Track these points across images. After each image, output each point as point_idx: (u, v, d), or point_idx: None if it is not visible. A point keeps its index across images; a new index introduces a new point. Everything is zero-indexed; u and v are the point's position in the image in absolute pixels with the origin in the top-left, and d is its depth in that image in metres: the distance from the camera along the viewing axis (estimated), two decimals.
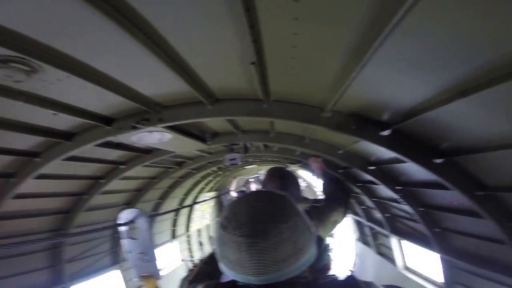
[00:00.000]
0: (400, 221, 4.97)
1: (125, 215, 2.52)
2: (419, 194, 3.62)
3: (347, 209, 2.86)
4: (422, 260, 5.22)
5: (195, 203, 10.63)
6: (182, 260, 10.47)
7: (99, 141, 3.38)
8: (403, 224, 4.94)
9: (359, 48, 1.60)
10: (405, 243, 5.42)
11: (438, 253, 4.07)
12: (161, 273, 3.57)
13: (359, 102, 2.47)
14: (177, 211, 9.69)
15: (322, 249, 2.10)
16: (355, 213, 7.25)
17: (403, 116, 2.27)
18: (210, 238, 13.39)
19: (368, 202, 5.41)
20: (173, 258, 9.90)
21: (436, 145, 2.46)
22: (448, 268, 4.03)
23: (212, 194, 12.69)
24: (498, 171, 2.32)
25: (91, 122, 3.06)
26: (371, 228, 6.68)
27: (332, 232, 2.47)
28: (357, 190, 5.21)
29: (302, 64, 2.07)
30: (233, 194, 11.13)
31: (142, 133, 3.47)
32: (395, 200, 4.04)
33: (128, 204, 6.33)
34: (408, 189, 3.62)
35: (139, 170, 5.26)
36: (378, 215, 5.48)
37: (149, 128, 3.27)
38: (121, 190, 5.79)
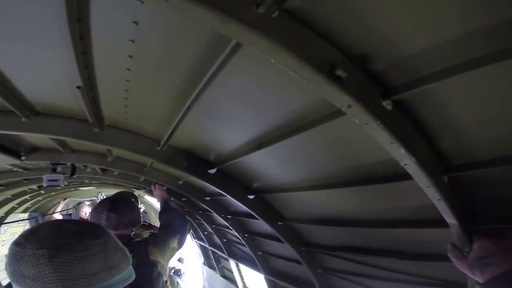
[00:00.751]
0: (234, 245, 5.88)
1: None
2: (244, 223, 4.49)
3: (183, 236, 3.30)
4: (258, 281, 6.24)
5: None
6: None
7: None
8: (237, 248, 5.86)
9: (185, 92, 1.98)
10: (241, 265, 6.37)
11: (262, 273, 5.06)
12: None
13: (190, 141, 2.97)
14: None
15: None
16: (200, 239, 7.91)
17: (224, 158, 2.90)
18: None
19: (209, 229, 6.10)
20: None
21: (250, 184, 3.25)
22: (271, 287, 5.04)
23: (26, 215, 11.04)
24: (292, 206, 3.25)
25: None
26: (213, 252, 7.46)
27: (177, 257, 2.78)
28: (199, 217, 5.83)
29: (135, 98, 2.34)
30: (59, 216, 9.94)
31: None
32: (228, 227, 4.82)
33: None
34: (236, 217, 4.43)
35: None
36: (217, 240, 6.25)
37: None
38: None
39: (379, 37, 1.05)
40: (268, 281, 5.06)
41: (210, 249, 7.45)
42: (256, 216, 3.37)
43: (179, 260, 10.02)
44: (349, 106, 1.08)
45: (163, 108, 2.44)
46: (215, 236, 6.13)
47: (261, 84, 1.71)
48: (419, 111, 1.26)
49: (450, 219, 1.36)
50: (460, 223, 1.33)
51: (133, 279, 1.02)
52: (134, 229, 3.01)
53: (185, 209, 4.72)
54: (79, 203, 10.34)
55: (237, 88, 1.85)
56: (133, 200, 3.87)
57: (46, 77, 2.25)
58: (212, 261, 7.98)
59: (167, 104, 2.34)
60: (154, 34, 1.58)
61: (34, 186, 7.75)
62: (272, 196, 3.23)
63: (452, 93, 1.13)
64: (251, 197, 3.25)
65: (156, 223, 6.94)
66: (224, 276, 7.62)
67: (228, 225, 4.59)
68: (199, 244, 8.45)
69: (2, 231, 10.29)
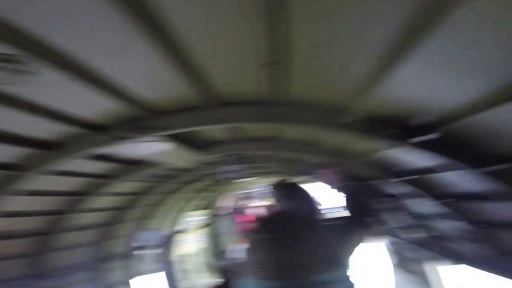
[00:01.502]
0: (451, 241, 5.19)
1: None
2: (473, 208, 3.84)
3: (367, 229, 3.13)
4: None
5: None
6: None
7: (87, 152, 3.68)
8: (456, 245, 5.15)
9: (397, 45, 1.87)
10: (461, 268, 5.60)
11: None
12: None
13: (391, 105, 2.74)
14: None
15: None
16: (389, 234, 7.50)
17: (448, 119, 2.54)
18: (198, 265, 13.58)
19: (405, 220, 5.67)
20: None
21: (488, 151, 2.73)
22: None
23: (205, 212, 13.34)
24: None
25: (80, 130, 3.36)
26: (414, 251, 6.90)
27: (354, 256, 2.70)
28: (387, 205, 5.47)
29: (328, 63, 2.34)
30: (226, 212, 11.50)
31: (137, 143, 3.77)
32: (441, 216, 4.30)
33: (111, 225, 6.83)
34: (459, 202, 3.86)
35: (126, 185, 5.58)
36: (421, 235, 5.72)
37: (145, 137, 3.56)
38: (106, 208, 6.14)
39: None
40: None
41: (409, 247, 6.93)
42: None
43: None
44: None
45: (361, 70, 2.34)
46: (418, 229, 5.62)
47: None
48: None
49: None
50: None
51: None
52: None
53: (367, 197, 4.47)
54: (242, 196, 11.68)
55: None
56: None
57: (233, 55, 2.42)
58: (410, 263, 7.42)
59: (368, 64, 2.23)
60: None
61: (211, 181, 9.21)
62: None
63: None
64: (488, 169, 2.72)
65: None
66: (427, 283, 6.94)
67: (444, 212, 4.07)
68: (390, 240, 8.03)
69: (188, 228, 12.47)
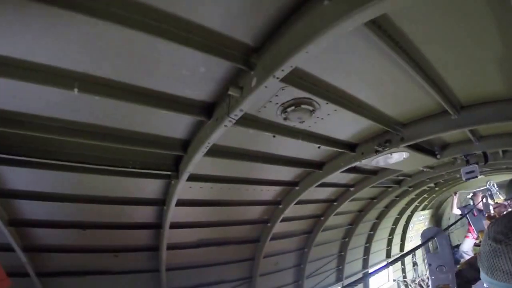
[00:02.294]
0: None
1: (426, 233, 3.51)
2: None
3: None
4: None
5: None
6: (394, 281, 12.16)
7: (344, 168, 4.81)
8: None
9: None
10: None
11: None
12: None
13: None
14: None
15: None
16: None
17: None
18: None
19: None
20: (385, 278, 11.82)
21: None
22: None
23: (427, 212, 13.73)
24: None
25: (339, 150, 4.47)
26: None
27: None
28: None
29: None
30: (456, 211, 11.12)
31: (382, 156, 4.65)
32: None
33: (351, 225, 8.20)
34: None
35: (363, 192, 6.63)
36: None
37: (390, 150, 4.33)
38: (349, 211, 7.44)
39: None
40: None
41: None
42: None
43: None
44: None
45: None
46: None
47: None
48: None
49: None
50: None
51: None
52: None
53: None
54: (474, 193, 11.04)
55: None
56: None
57: (475, 66, 2.73)
58: None
59: None
60: None
61: (432, 184, 9.35)
62: None
63: None
64: None
65: None
66: None
67: None
68: None
69: (410, 229, 12.90)
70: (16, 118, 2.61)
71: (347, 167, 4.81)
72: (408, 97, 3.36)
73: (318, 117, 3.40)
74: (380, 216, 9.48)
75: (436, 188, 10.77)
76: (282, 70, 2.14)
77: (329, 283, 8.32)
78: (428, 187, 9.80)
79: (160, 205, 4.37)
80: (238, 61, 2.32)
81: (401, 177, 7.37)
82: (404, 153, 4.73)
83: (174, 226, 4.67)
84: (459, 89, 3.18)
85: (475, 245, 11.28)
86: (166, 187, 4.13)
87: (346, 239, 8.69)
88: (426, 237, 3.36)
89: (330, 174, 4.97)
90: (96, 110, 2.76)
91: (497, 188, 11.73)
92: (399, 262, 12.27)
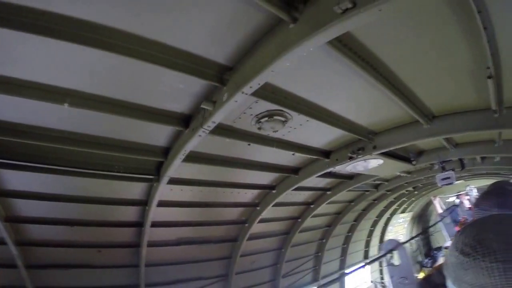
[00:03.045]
0: None
1: (385, 245, 3.71)
2: None
3: None
4: None
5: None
6: (372, 282, 12.67)
7: (319, 173, 5.14)
8: None
9: None
10: None
11: None
12: None
13: None
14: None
15: None
16: None
17: None
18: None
19: None
20: (362, 280, 12.25)
21: None
22: None
23: (406, 215, 14.26)
24: None
25: (314, 157, 4.82)
26: None
27: None
28: None
29: None
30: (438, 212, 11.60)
31: (356, 162, 4.99)
32: None
33: (329, 226, 8.70)
34: None
35: (340, 195, 6.99)
36: None
37: (364, 156, 4.70)
38: (326, 214, 7.88)
39: None
40: None
41: None
42: None
43: None
44: None
45: None
46: None
47: None
48: None
49: None
50: None
51: None
52: None
53: None
54: (458, 196, 11.50)
55: None
56: None
57: (443, 77, 2.99)
58: None
59: None
60: None
61: (410, 188, 9.81)
62: None
63: None
64: None
65: None
66: None
67: None
68: None
69: (388, 231, 13.41)
70: (17, 128, 2.92)
71: (322, 172, 5.17)
72: (381, 109, 3.68)
73: (291, 127, 3.76)
74: (358, 218, 9.99)
75: (416, 192, 11.25)
76: (250, 87, 2.48)
77: (305, 283, 8.75)
78: (407, 190, 10.32)
79: (143, 205, 4.69)
80: (212, 78, 2.67)
81: (378, 182, 7.83)
82: (377, 159, 5.07)
83: (155, 225, 5.00)
84: (430, 100, 3.48)
85: None
86: (149, 189, 4.45)
87: (324, 240, 9.15)
88: (386, 250, 3.50)
89: (306, 179, 5.33)
90: (86, 122, 3.09)
91: (476, 193, 12.21)
92: (377, 264, 12.69)
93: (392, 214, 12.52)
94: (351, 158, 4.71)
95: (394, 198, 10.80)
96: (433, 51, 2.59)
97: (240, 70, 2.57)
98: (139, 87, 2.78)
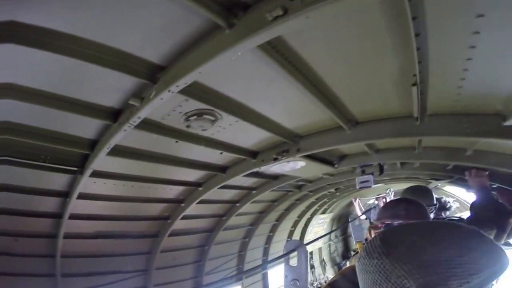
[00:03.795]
0: None
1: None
2: None
3: (502, 232, 3.23)
4: None
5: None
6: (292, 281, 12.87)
7: (245, 173, 5.41)
8: None
9: None
10: None
11: None
12: None
13: None
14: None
15: None
16: None
17: None
18: (321, 262, 16.07)
19: None
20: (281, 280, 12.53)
21: None
22: None
23: (326, 216, 15.00)
24: None
25: (241, 156, 5.07)
26: None
27: None
28: None
29: (477, 75, 2.55)
30: (362, 216, 12.52)
31: (281, 163, 5.32)
32: None
33: (252, 225, 9.09)
34: None
35: (264, 194, 7.38)
36: None
37: (288, 158, 5.04)
38: (250, 212, 8.24)
39: None
40: None
41: None
42: None
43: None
44: None
45: None
46: None
47: None
48: None
49: None
50: None
51: None
52: None
53: None
54: (377, 198, 12.48)
55: None
56: (426, 194, 4.00)
57: (368, 84, 3.17)
58: None
59: None
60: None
61: (332, 189, 10.51)
62: None
63: None
64: None
65: None
66: None
67: None
68: None
69: (308, 231, 14.16)
70: None
71: (249, 172, 5.43)
72: (306, 113, 3.89)
73: (220, 126, 3.90)
74: (280, 218, 10.51)
75: (337, 193, 12.00)
76: (177, 86, 2.62)
77: (228, 282, 9.00)
78: (328, 192, 10.87)
79: (64, 197, 4.64)
80: (143, 76, 2.78)
81: (301, 182, 8.31)
82: (300, 162, 5.43)
83: (73, 217, 4.95)
84: (355, 107, 3.68)
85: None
86: (72, 181, 4.40)
87: (247, 239, 9.52)
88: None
89: (233, 178, 5.55)
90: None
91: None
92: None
93: (312, 215, 13.15)
94: (275, 160, 4.99)
95: (316, 199, 11.39)
96: (361, 59, 2.73)
97: (171, 69, 2.69)
98: (71, 82, 2.81)
